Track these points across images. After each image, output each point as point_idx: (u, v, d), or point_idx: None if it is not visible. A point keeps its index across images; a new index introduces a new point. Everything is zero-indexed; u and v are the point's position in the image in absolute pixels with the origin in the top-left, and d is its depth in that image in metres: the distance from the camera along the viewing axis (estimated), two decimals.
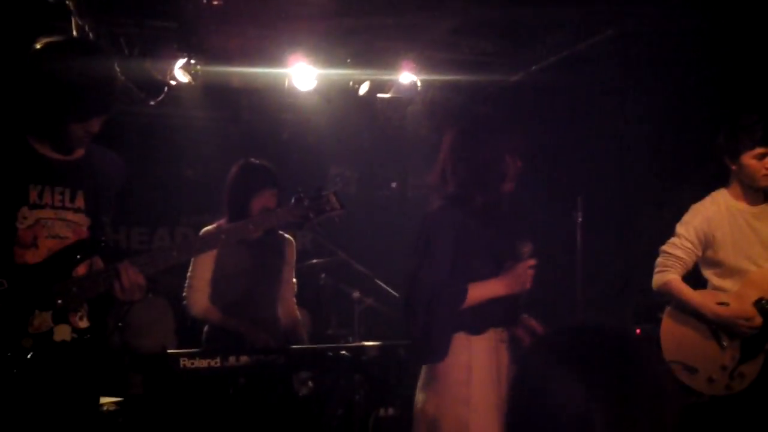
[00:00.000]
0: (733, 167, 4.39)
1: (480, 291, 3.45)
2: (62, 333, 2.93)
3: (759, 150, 4.27)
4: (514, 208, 3.68)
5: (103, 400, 4.26)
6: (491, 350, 3.50)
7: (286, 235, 5.09)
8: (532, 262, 3.49)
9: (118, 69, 3.05)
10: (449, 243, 3.45)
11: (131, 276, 2.96)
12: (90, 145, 3.13)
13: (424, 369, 3.51)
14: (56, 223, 2.98)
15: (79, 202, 3.04)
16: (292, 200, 3.54)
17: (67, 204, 3.02)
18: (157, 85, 6.09)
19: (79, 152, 3.10)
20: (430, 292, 3.38)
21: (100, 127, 3.01)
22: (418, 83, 6.67)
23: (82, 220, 3.04)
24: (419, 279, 3.41)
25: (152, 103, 6.30)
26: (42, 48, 2.93)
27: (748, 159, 4.30)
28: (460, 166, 3.53)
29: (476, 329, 3.48)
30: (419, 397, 3.51)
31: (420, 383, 3.52)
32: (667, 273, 4.40)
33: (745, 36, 5.69)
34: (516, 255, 3.50)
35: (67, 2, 5.18)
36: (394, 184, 7.96)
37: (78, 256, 2.98)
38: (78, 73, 2.87)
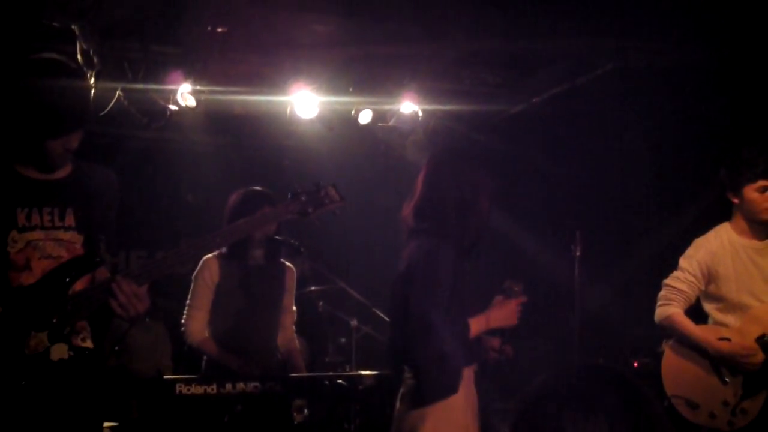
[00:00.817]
0: (735, 201, 4.39)
1: (477, 325, 3.55)
2: (59, 352, 2.90)
3: (761, 183, 4.28)
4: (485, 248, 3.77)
5: None
6: (473, 380, 3.60)
7: (287, 263, 5.10)
8: (523, 299, 3.62)
9: (92, 84, 3.04)
10: (450, 278, 3.50)
11: (126, 289, 2.88)
12: (77, 162, 3.11)
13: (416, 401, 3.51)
14: (48, 244, 2.96)
15: (69, 220, 3.01)
16: (289, 195, 3.37)
17: (57, 223, 2.99)
18: (159, 110, 6.11)
19: (65, 170, 3.07)
20: (438, 323, 3.41)
21: (78, 142, 2.98)
22: (420, 113, 6.70)
23: (75, 237, 3.02)
24: (429, 316, 3.43)
25: (154, 127, 6.32)
26: (15, 66, 2.94)
27: (750, 192, 4.31)
28: (440, 203, 3.59)
29: (468, 360, 3.56)
30: (412, 425, 3.50)
31: (414, 414, 3.51)
32: (670, 306, 4.39)
33: (746, 69, 5.73)
34: (507, 292, 3.62)
35: (72, 26, 5.21)
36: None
37: (72, 274, 2.94)
38: (50, 89, 2.86)
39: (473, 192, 3.59)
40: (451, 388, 3.46)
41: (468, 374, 3.56)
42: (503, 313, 3.60)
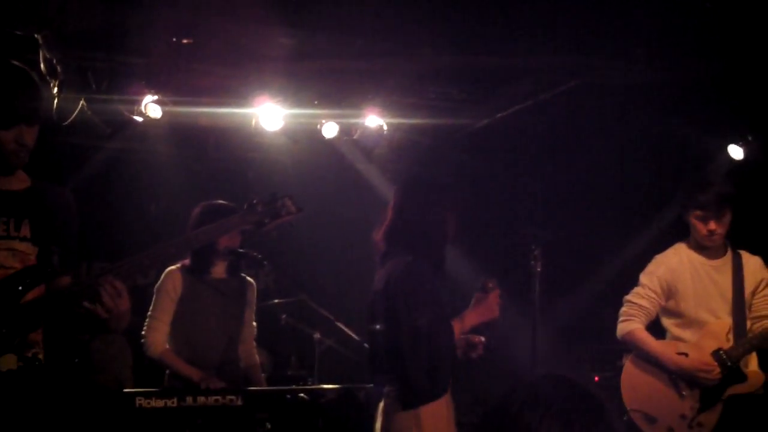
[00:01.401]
0: (687, 222, 4.50)
1: (460, 325, 3.74)
2: (8, 362, 2.85)
3: (699, 212, 4.39)
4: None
5: None
6: (449, 391, 3.74)
7: (248, 278, 5.11)
8: (498, 292, 3.80)
9: (42, 82, 3.02)
10: (433, 289, 3.70)
11: (110, 287, 2.87)
12: (35, 179, 3.09)
13: (400, 412, 3.61)
14: (1, 253, 2.93)
15: (25, 231, 2.98)
16: (245, 206, 3.37)
17: (12, 233, 2.96)
18: (123, 121, 6.07)
19: (24, 183, 3.05)
20: (429, 331, 3.57)
21: (33, 141, 2.95)
22: (385, 126, 6.71)
23: (29, 249, 2.98)
24: (417, 322, 3.59)
25: (118, 137, 6.28)
26: None
27: (692, 218, 4.43)
28: (409, 227, 3.79)
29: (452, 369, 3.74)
30: None
31: (398, 424, 3.60)
32: (631, 322, 4.46)
33: (708, 88, 5.83)
34: (484, 288, 3.80)
35: (36, 35, 5.17)
36: None
37: (24, 284, 2.90)
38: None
39: (440, 217, 3.80)
40: (439, 390, 3.63)
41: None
42: (484, 308, 3.78)
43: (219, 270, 4.95)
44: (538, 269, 4.93)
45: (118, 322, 2.99)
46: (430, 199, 3.83)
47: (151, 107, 5.96)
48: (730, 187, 4.43)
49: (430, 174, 4.20)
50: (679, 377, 4.36)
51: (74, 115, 5.76)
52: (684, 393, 4.35)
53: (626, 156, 6.85)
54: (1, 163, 2.97)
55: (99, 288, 2.88)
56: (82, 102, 5.77)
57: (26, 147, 2.95)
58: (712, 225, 4.36)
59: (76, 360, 5.45)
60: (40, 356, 2.98)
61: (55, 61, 5.29)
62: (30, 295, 2.93)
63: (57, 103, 5.45)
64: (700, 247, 4.49)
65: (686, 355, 4.36)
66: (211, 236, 3.53)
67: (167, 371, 4.82)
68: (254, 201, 3.37)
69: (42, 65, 5.23)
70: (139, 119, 6.03)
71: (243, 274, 5.08)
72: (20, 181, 3.05)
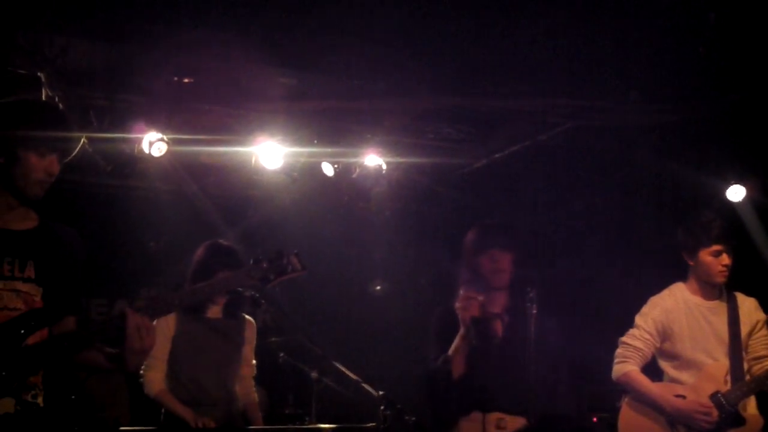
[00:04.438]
0: (691, 263, 4.49)
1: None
2: (5, 406, 2.86)
3: (715, 247, 4.38)
4: None
5: None
6: None
7: (247, 317, 5.11)
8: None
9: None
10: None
11: (138, 322, 2.92)
12: (44, 218, 3.11)
13: None
14: (5, 294, 2.94)
15: (29, 272, 2.99)
16: (251, 261, 3.36)
17: (17, 274, 2.97)
18: (124, 158, 6.11)
19: (31, 223, 3.07)
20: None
21: (57, 171, 3.01)
22: (384, 165, 6.75)
23: (34, 290, 2.99)
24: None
25: (119, 175, 6.31)
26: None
27: (705, 256, 4.41)
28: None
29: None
30: None
31: None
32: (627, 364, 4.45)
33: (704, 129, 5.86)
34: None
35: (39, 74, 5.23)
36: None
37: (27, 328, 2.91)
38: (38, 105, 3.03)
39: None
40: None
41: None
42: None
43: (215, 310, 4.97)
44: (534, 311, 4.92)
45: (140, 359, 3.03)
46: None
47: (151, 145, 6.00)
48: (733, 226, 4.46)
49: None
50: (676, 420, 4.34)
51: (75, 152, 5.80)
52: None
53: (623, 196, 6.87)
54: (22, 190, 3.00)
55: (127, 326, 2.92)
56: (83, 140, 5.81)
57: (51, 180, 3.01)
58: (726, 259, 4.38)
59: (73, 397, 5.44)
60: (39, 398, 2.98)
61: (57, 99, 5.34)
62: (32, 339, 2.93)
63: None
64: (696, 289, 4.50)
65: (684, 397, 4.34)
66: (216, 292, 3.55)
67: (163, 410, 4.82)
68: (260, 257, 3.35)
69: None
70: (140, 156, 6.07)
71: (242, 313, 5.09)
72: (28, 220, 3.07)
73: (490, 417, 3.90)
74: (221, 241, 5.05)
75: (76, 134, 3.09)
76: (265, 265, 3.32)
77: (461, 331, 3.92)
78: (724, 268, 4.39)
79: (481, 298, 4.01)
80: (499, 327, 4.00)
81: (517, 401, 3.90)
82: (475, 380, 3.92)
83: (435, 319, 4.27)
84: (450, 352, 3.93)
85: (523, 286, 3.99)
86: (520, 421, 3.89)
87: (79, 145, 3.20)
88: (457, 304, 3.97)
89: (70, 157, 3.16)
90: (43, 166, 2.97)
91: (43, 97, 5.31)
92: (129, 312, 2.94)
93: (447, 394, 3.86)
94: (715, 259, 4.40)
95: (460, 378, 3.94)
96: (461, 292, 3.98)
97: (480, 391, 3.91)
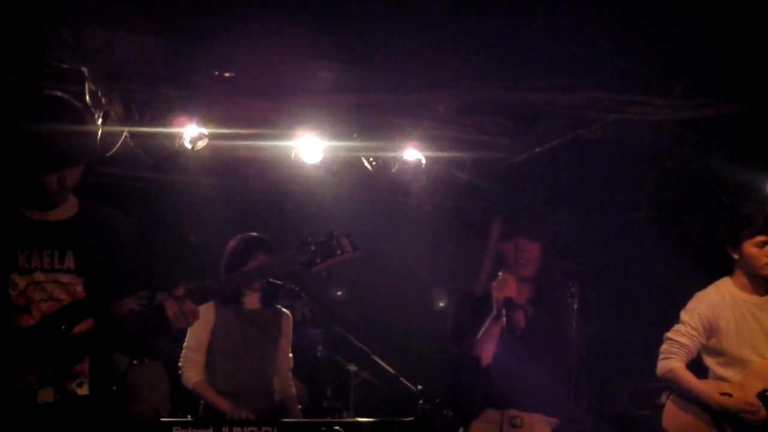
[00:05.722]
0: (736, 256, 4.42)
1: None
2: (45, 396, 2.89)
3: (759, 238, 4.32)
4: None
5: None
6: None
7: (283, 309, 5.13)
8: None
9: (99, 125, 3.06)
10: None
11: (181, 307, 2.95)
12: (86, 201, 3.12)
13: None
14: (48, 286, 2.97)
15: (69, 263, 3.01)
16: (298, 243, 3.19)
17: (57, 266, 2.99)
18: (165, 152, 6.16)
19: (70, 211, 3.08)
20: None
21: (76, 180, 2.98)
22: (423, 160, 6.73)
23: (75, 280, 3.01)
24: None
25: (160, 168, 6.36)
26: (15, 103, 2.96)
27: (749, 247, 4.35)
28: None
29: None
30: None
31: None
32: (672, 360, 4.39)
33: (746, 123, 5.78)
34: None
35: (82, 68, 5.28)
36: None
37: (71, 319, 2.95)
38: (42, 124, 2.87)
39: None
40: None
41: None
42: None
43: (253, 300, 4.98)
44: (575, 306, 4.87)
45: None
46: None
47: (192, 139, 6.04)
48: None
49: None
50: (723, 418, 4.28)
51: (117, 146, 5.86)
52: None
53: (666, 191, 6.80)
54: (45, 202, 3.01)
55: (168, 314, 2.94)
56: (125, 133, 5.87)
57: (69, 188, 2.99)
58: None
59: (115, 388, 5.51)
60: (85, 386, 3.01)
61: (99, 93, 5.39)
62: (78, 328, 2.96)
63: (101, 135, 5.56)
64: (744, 284, 4.43)
65: (730, 395, 4.28)
66: (256, 276, 3.52)
67: (202, 401, 4.85)
68: (308, 239, 3.22)
69: (87, 97, 5.33)
70: (181, 150, 6.11)
71: (278, 306, 5.11)
72: (66, 209, 3.07)
73: (506, 414, 3.80)
74: (252, 233, 5.07)
75: (81, 139, 2.96)
76: (312, 248, 3.19)
77: (493, 312, 3.80)
78: None
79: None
80: (522, 318, 3.88)
81: (535, 398, 3.80)
82: (497, 371, 3.80)
83: (455, 303, 4.11)
84: (479, 336, 3.78)
85: (564, 280, 3.88)
86: (535, 418, 3.80)
87: (97, 141, 3.15)
88: (494, 284, 3.85)
89: (110, 152, 3.15)
90: (54, 179, 2.93)
91: (87, 91, 5.37)
92: (168, 301, 2.94)
93: (475, 381, 3.74)
94: (760, 251, 4.33)
95: (487, 367, 3.80)
96: (500, 274, 3.88)
97: (501, 384, 3.80)
